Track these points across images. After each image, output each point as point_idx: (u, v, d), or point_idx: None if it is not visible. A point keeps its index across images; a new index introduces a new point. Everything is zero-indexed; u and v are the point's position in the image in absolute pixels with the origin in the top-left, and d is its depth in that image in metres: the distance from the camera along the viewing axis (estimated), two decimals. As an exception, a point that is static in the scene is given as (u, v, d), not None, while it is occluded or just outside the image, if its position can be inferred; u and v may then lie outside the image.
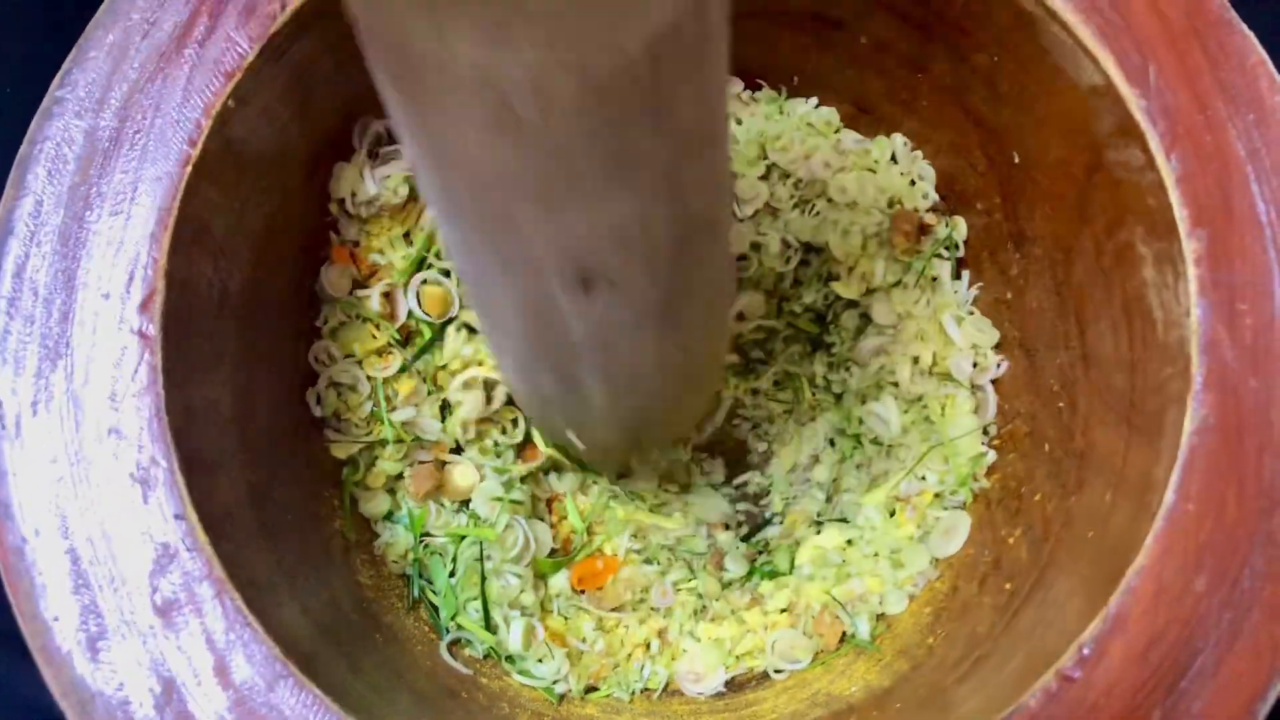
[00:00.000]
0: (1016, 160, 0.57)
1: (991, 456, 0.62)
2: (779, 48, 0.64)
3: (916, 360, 0.64)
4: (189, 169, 0.47)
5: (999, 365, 0.63)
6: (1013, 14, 0.51)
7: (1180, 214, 0.45)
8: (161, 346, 0.45)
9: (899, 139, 0.66)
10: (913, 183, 0.65)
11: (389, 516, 0.63)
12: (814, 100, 0.67)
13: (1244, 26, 0.47)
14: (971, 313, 0.64)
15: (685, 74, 0.31)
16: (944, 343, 0.64)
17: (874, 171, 0.66)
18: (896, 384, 0.65)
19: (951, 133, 0.61)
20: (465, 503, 0.63)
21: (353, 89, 0.50)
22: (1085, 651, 0.42)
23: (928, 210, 0.65)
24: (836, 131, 0.67)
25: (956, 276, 0.65)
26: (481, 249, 0.39)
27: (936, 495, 0.63)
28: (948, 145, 0.62)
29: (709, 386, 0.61)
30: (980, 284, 0.64)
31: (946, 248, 0.65)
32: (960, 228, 0.65)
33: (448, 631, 0.60)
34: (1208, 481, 0.43)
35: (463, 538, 0.61)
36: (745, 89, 0.68)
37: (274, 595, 0.47)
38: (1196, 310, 0.44)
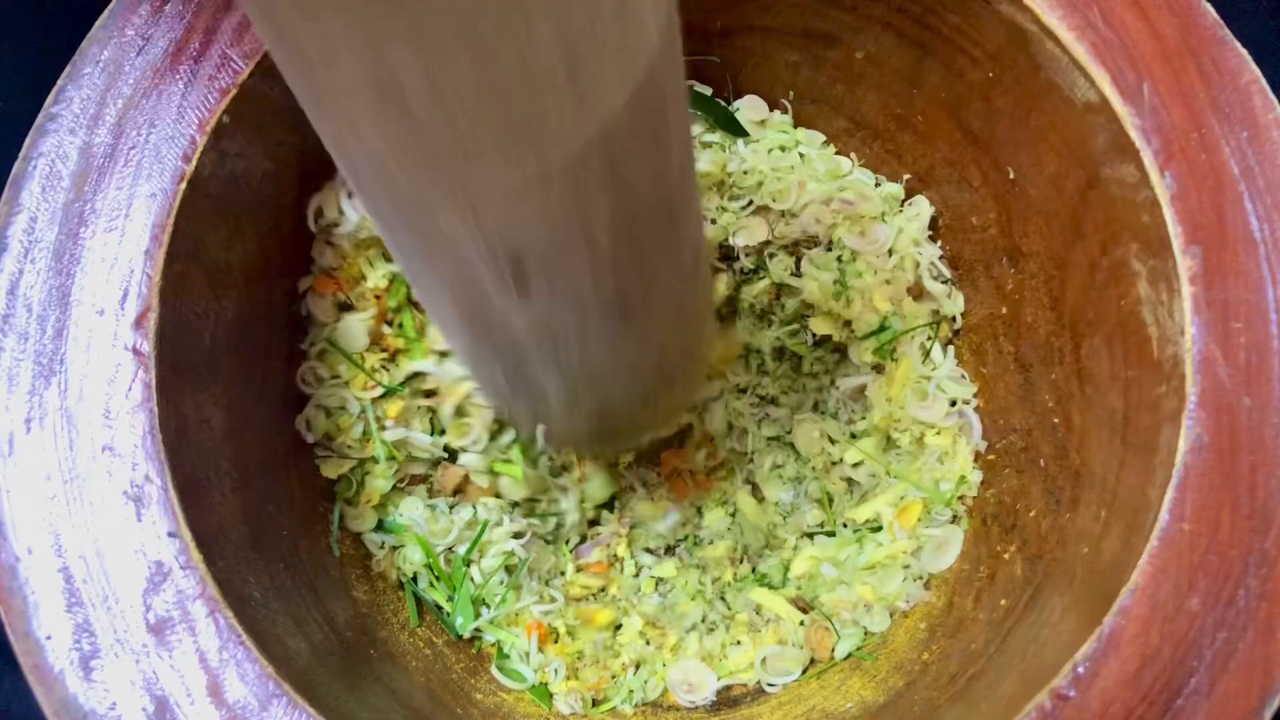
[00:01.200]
0: (1012, 176, 0.57)
1: (978, 477, 0.62)
2: (773, 65, 0.64)
3: (879, 428, 0.64)
4: (183, 185, 0.47)
5: (972, 408, 0.63)
6: (1007, 31, 0.51)
7: (1174, 231, 0.45)
8: (155, 363, 0.45)
9: (895, 185, 0.66)
10: (920, 251, 0.66)
11: (383, 528, 0.62)
12: (822, 136, 0.68)
13: (1238, 45, 0.47)
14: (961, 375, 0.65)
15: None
16: (916, 407, 0.64)
17: (883, 220, 0.66)
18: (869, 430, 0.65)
19: (947, 148, 0.61)
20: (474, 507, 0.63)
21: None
22: (1079, 670, 0.42)
23: (933, 280, 0.65)
24: (846, 175, 0.67)
25: (948, 344, 0.65)
26: (404, 237, 0.36)
27: (926, 512, 0.63)
28: (943, 160, 0.62)
29: (688, 378, 0.58)
30: (958, 361, 0.65)
31: (937, 319, 0.65)
32: (958, 302, 0.65)
33: (455, 631, 0.60)
34: (1202, 500, 0.43)
35: (469, 543, 0.61)
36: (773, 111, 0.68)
37: (268, 613, 0.47)
38: (1191, 328, 0.44)
